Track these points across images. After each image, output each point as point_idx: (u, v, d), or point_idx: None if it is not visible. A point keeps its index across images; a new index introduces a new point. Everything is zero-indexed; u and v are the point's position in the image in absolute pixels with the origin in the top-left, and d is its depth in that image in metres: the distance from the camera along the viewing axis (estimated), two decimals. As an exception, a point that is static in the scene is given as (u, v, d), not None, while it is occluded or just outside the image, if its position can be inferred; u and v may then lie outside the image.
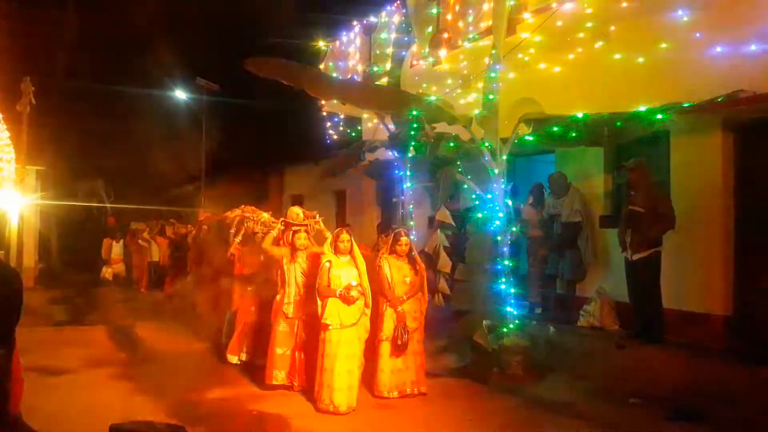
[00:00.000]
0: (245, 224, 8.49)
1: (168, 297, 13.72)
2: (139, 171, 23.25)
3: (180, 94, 19.93)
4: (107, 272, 17.47)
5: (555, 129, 7.32)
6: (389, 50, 10.50)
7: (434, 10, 10.07)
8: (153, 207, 21.18)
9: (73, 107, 21.44)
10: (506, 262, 7.34)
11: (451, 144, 7.97)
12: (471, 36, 9.16)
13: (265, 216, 8.46)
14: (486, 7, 8.97)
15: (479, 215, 7.72)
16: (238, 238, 8.44)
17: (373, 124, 12.48)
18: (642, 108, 6.54)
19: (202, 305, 10.82)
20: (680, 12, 7.10)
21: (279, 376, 6.55)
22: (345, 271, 6.11)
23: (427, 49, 10.11)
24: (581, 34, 8.15)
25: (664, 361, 6.31)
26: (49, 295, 14.32)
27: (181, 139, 22.41)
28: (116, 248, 17.70)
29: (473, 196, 7.85)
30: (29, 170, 15.90)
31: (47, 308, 12.62)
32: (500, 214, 7.46)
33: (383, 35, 11.54)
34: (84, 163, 23.01)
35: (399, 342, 6.28)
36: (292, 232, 6.93)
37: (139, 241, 16.88)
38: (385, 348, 6.35)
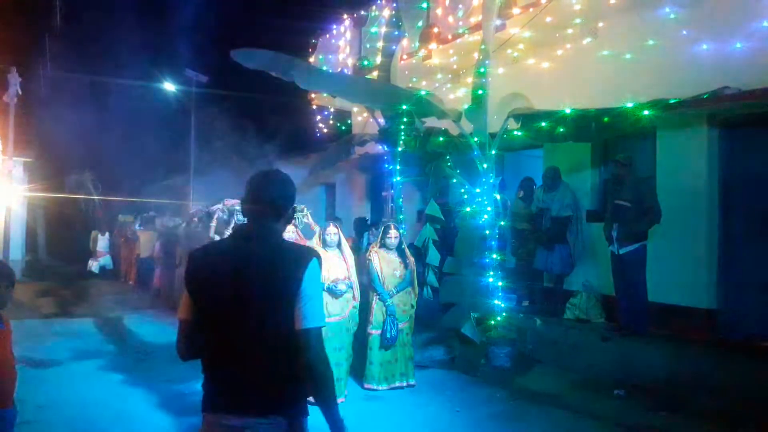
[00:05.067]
0: (234, 216, 8.53)
1: (157, 289, 13.72)
2: (127, 163, 23.13)
3: (169, 86, 19.81)
4: (93, 265, 17.41)
5: (543, 124, 7.37)
6: (379, 44, 10.50)
7: (424, 5, 10.09)
8: (141, 199, 21.09)
9: (61, 98, 21.27)
10: (494, 256, 7.41)
11: (441, 138, 8.02)
12: (461, 31, 9.19)
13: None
14: (475, 2, 9.01)
15: (468, 209, 7.78)
16: (228, 231, 8.47)
17: (363, 118, 12.51)
18: (629, 104, 6.61)
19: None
20: (667, 9, 7.17)
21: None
22: (333, 265, 6.14)
23: (417, 44, 10.14)
24: (570, 30, 8.23)
25: (648, 354, 6.40)
26: (36, 287, 14.26)
27: (170, 131, 22.31)
28: (102, 241, 17.64)
29: (462, 190, 7.90)
30: (16, 162, 15.78)
31: (35, 301, 12.58)
32: (489, 208, 7.52)
33: (373, 29, 11.54)
34: (72, 155, 22.86)
35: (388, 335, 6.33)
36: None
37: (127, 233, 16.82)
38: (375, 341, 6.40)
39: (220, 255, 2.30)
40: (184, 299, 2.31)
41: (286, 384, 2.17)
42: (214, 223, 9.24)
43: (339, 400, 5.79)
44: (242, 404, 2.16)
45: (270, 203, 2.29)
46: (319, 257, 2.26)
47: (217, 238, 8.93)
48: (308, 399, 2.26)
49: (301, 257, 2.20)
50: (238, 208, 8.72)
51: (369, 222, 9.90)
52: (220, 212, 9.29)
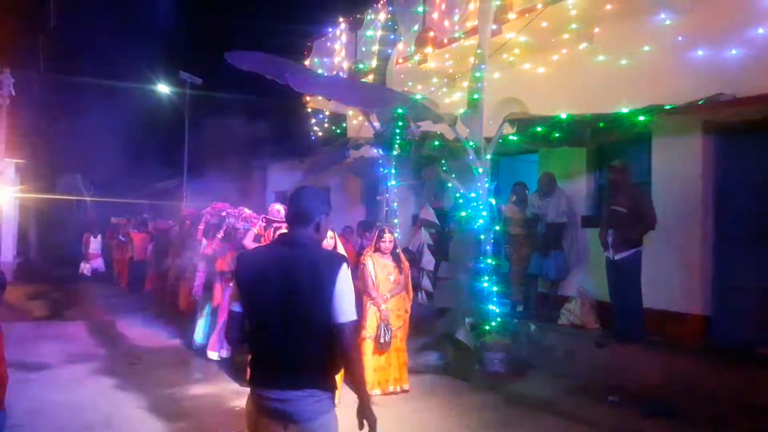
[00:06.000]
0: (226, 220, 8.49)
1: (149, 292, 13.64)
2: (120, 165, 23.02)
3: (162, 88, 19.75)
4: (85, 267, 17.28)
5: (538, 129, 7.37)
6: (375, 48, 10.49)
7: (420, 9, 10.09)
8: (134, 201, 21.00)
9: (54, 100, 21.16)
10: (489, 261, 7.39)
11: (436, 142, 8.00)
12: (456, 35, 9.19)
13: (247, 212, 8.45)
14: (472, 6, 9.01)
15: (463, 214, 7.76)
16: (220, 235, 8.44)
17: (358, 122, 12.49)
18: (624, 109, 6.61)
19: (182, 301, 10.78)
20: (663, 15, 7.20)
21: (261, 372, 6.53)
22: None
23: (412, 48, 10.13)
24: (566, 36, 8.24)
25: (643, 360, 6.39)
26: (27, 290, 14.12)
27: (164, 134, 22.24)
28: (94, 243, 17.50)
29: (457, 195, 7.88)
30: (8, 163, 15.67)
31: (26, 303, 12.46)
32: (484, 213, 7.50)
33: (369, 33, 11.54)
34: (64, 157, 22.74)
35: (382, 340, 6.29)
36: (273, 228, 6.92)
37: (120, 236, 16.71)
38: (369, 346, 6.36)
39: (267, 258, 2.75)
40: (234, 294, 2.78)
41: (320, 364, 2.63)
42: (202, 227, 9.20)
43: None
44: (285, 381, 2.62)
45: (300, 213, 2.74)
46: (347, 261, 2.70)
47: (204, 241, 8.88)
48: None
49: (334, 261, 2.65)
50: (230, 211, 8.68)
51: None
52: (208, 216, 9.23)
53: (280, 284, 2.62)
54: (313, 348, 2.61)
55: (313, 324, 2.59)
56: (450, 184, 7.98)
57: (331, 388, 2.70)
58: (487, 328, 7.24)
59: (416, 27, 10.15)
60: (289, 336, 2.61)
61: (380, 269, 6.47)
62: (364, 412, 2.70)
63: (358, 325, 2.75)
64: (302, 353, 2.61)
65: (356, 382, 2.70)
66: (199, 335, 8.30)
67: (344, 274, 2.63)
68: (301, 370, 2.62)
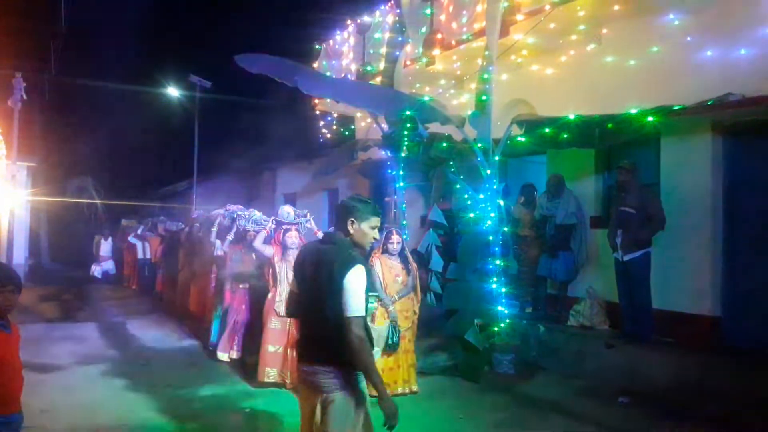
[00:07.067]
0: (237, 222, 8.53)
1: (159, 294, 13.71)
2: (130, 168, 23.18)
3: (172, 91, 19.85)
4: (96, 269, 17.41)
5: (547, 130, 7.36)
6: (383, 50, 10.50)
7: (428, 11, 10.10)
8: (144, 204, 21.12)
9: (65, 104, 21.34)
10: (497, 262, 7.39)
11: (444, 144, 8.01)
12: (464, 37, 9.20)
13: (257, 214, 8.49)
14: (479, 8, 9.01)
15: (471, 215, 7.76)
16: (230, 236, 8.48)
17: (366, 124, 12.52)
18: (633, 110, 6.60)
19: (193, 302, 10.84)
20: (672, 16, 7.17)
21: (271, 373, 6.58)
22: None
23: (420, 50, 10.14)
24: (574, 37, 8.22)
25: (652, 361, 6.38)
26: (39, 292, 14.24)
27: (173, 137, 22.36)
28: (104, 245, 17.62)
29: (465, 196, 7.88)
30: (20, 166, 15.81)
31: (37, 305, 12.57)
32: (492, 214, 7.51)
33: (377, 35, 11.56)
34: (75, 160, 22.94)
35: (390, 342, 6.30)
36: (283, 230, 6.97)
37: (129, 238, 16.83)
38: (377, 347, 6.37)
39: (310, 250, 3.30)
40: (292, 278, 3.36)
41: (335, 344, 2.92)
42: (215, 228, 9.25)
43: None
44: (309, 356, 3.10)
45: (336, 217, 3.25)
46: (363, 263, 3.03)
47: (218, 243, 8.93)
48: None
49: (348, 261, 2.99)
50: (240, 213, 8.73)
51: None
52: (221, 217, 9.29)
53: (311, 272, 3.10)
54: (329, 331, 2.94)
55: (328, 310, 2.95)
56: (458, 186, 7.98)
57: (348, 368, 2.98)
58: (496, 329, 7.24)
59: (424, 29, 10.16)
60: (314, 317, 3.06)
61: (388, 271, 6.49)
62: (381, 403, 2.91)
63: (363, 321, 2.97)
64: (321, 333, 3.01)
65: (364, 373, 2.97)
66: (213, 336, 8.36)
67: (354, 273, 2.94)
68: (321, 349, 3.02)
